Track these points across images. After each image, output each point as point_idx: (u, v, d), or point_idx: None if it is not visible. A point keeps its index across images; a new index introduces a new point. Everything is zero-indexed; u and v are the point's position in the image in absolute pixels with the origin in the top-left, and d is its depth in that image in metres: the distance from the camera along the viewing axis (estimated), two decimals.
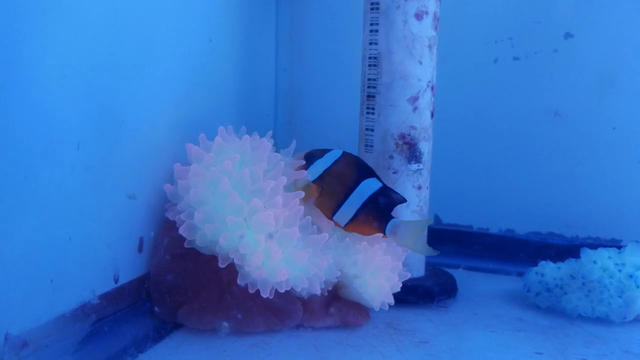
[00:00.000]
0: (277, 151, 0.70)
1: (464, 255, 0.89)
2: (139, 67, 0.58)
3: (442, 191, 0.90)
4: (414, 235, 0.60)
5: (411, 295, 0.68)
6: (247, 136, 0.61)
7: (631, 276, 0.65)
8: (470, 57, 0.88)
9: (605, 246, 0.83)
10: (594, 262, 0.67)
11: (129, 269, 0.57)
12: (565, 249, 0.85)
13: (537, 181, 0.87)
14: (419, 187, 0.72)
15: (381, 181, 0.61)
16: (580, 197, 0.86)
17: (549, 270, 0.70)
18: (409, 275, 0.63)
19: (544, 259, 0.74)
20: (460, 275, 0.82)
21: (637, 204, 0.84)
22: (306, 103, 0.97)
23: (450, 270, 0.81)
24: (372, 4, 0.70)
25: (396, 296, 0.63)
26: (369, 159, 0.72)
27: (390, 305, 0.61)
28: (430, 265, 0.77)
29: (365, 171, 0.62)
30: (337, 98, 0.94)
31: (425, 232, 0.67)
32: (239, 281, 0.54)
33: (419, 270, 0.74)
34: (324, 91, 0.96)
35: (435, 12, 0.70)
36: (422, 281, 0.72)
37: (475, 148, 0.90)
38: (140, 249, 0.59)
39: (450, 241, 0.91)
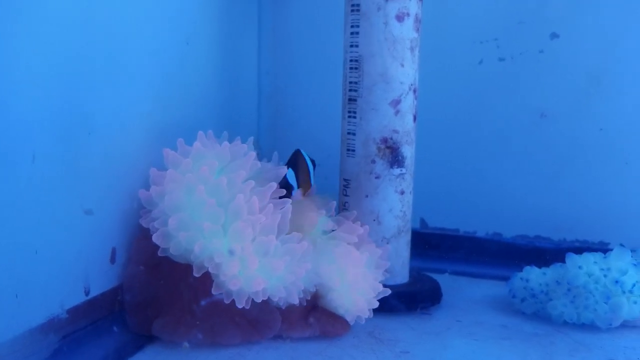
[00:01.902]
0: (259, 155, 0.69)
1: (450, 260, 0.88)
2: (110, 71, 0.56)
3: (428, 195, 0.89)
4: None
5: (394, 302, 0.67)
6: (226, 143, 0.59)
7: (617, 281, 0.64)
8: (455, 58, 0.87)
9: (592, 249, 0.82)
10: (579, 267, 0.66)
11: (101, 280, 0.56)
12: (552, 252, 0.84)
13: (524, 184, 0.86)
14: (402, 192, 0.71)
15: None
16: (567, 199, 0.85)
17: (534, 275, 0.69)
18: (388, 292, 0.62)
19: (531, 263, 0.73)
20: (446, 280, 0.81)
21: (625, 206, 0.83)
22: (290, 105, 0.95)
23: (437, 275, 0.80)
24: (352, 5, 0.69)
25: (379, 303, 0.62)
26: (351, 163, 0.71)
27: (367, 318, 0.60)
28: (414, 271, 0.76)
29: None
30: (322, 100, 0.93)
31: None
32: (213, 291, 0.52)
33: (403, 277, 0.72)
34: (308, 93, 0.94)
35: (416, 14, 0.69)
36: (406, 288, 0.71)
37: (461, 151, 0.88)
38: (112, 260, 0.57)
39: (436, 245, 0.90)
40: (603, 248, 0.83)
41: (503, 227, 0.88)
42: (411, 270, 0.75)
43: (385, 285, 0.65)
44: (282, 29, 0.94)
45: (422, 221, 0.92)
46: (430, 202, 0.90)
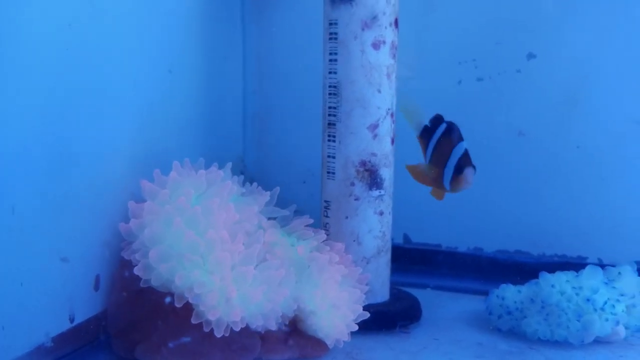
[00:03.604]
0: (245, 176, 0.71)
1: (432, 275, 0.90)
2: (91, 104, 0.58)
3: (411, 211, 0.91)
4: None
5: (373, 321, 0.69)
6: (202, 170, 0.61)
7: (588, 300, 0.66)
8: (435, 79, 0.89)
9: (571, 263, 0.84)
10: (552, 285, 0.68)
11: (86, 307, 0.58)
12: (532, 267, 0.86)
13: (504, 200, 0.88)
14: (381, 213, 0.73)
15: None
16: (546, 215, 0.87)
17: (509, 293, 0.71)
18: (367, 315, 0.64)
19: (512, 277, 0.75)
20: (428, 295, 0.83)
21: (602, 222, 0.85)
22: (276, 125, 0.97)
23: (419, 290, 0.82)
24: (330, 34, 0.71)
25: (359, 322, 0.64)
26: (331, 186, 0.73)
27: (345, 340, 0.62)
28: (395, 289, 0.78)
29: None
30: (307, 120, 0.95)
31: None
32: (193, 320, 0.54)
33: (383, 296, 0.74)
34: (294, 113, 0.96)
35: (392, 41, 0.71)
36: (385, 307, 0.73)
37: None
38: (96, 287, 0.59)
39: (419, 260, 0.92)
40: (581, 262, 0.85)
41: (484, 242, 0.90)
42: (392, 287, 0.77)
43: (365, 304, 0.67)
44: (267, 51, 0.95)
45: (406, 237, 0.94)
46: (413, 219, 0.92)
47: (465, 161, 0.68)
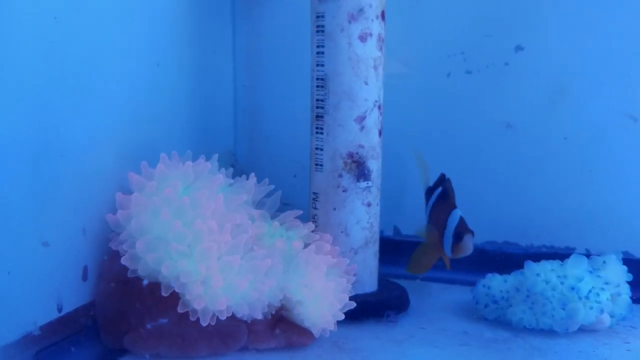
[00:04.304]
0: (235, 168, 0.72)
1: None
2: (78, 96, 0.59)
3: (400, 203, 0.92)
4: None
5: (361, 311, 0.70)
6: (189, 162, 0.62)
7: (573, 288, 0.67)
8: (424, 71, 0.90)
9: (559, 254, 0.85)
10: (537, 274, 0.69)
11: (74, 297, 0.59)
12: (520, 257, 0.87)
13: (492, 191, 0.89)
14: (369, 204, 0.74)
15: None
16: (534, 206, 0.88)
17: (495, 283, 0.72)
18: (353, 305, 0.65)
19: (500, 267, 0.76)
20: (416, 286, 0.84)
21: (589, 212, 0.86)
22: (267, 119, 0.98)
23: (409, 281, 0.83)
24: (317, 26, 0.72)
25: (347, 312, 0.65)
26: (319, 178, 0.74)
27: (332, 330, 0.63)
28: (384, 279, 0.78)
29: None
30: (298, 114, 0.95)
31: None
32: (179, 309, 0.55)
33: (371, 286, 0.75)
34: (285, 106, 0.97)
35: (379, 34, 0.72)
36: (373, 297, 0.73)
37: (432, 161, 0.90)
38: (84, 278, 0.60)
39: (409, 252, 0.92)
40: (569, 253, 0.85)
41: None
42: (381, 278, 0.77)
43: (353, 294, 0.68)
44: (257, 45, 0.96)
45: (396, 229, 0.95)
46: (403, 211, 0.92)
47: (463, 229, 0.70)
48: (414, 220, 0.93)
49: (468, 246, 0.69)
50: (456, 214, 0.71)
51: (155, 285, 0.56)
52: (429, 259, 0.75)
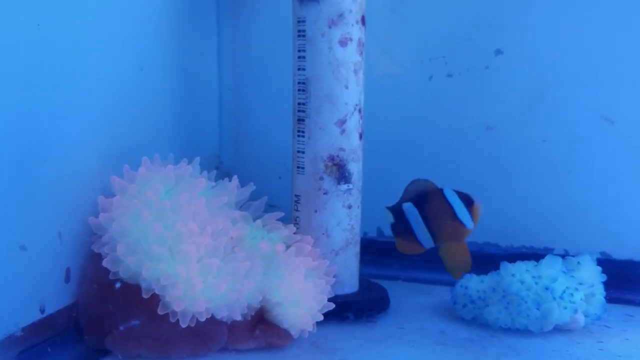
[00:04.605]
0: (220, 171, 0.73)
1: (404, 267, 0.92)
2: (60, 99, 0.60)
3: (383, 205, 0.93)
4: None
5: (341, 312, 0.71)
6: (170, 166, 0.63)
7: (547, 288, 0.69)
8: (407, 74, 0.91)
9: (539, 254, 0.86)
10: (513, 275, 0.70)
11: (56, 299, 0.60)
12: (501, 258, 0.88)
13: (473, 193, 0.90)
14: (350, 207, 0.75)
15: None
16: (514, 207, 0.89)
17: (472, 283, 0.73)
18: (332, 306, 0.66)
19: (481, 267, 0.77)
20: (398, 287, 0.85)
21: (567, 213, 0.87)
22: (252, 121, 0.99)
23: (391, 282, 0.84)
24: (299, 31, 0.73)
25: (328, 312, 0.66)
26: (301, 180, 0.75)
27: (310, 330, 0.64)
28: (365, 280, 0.80)
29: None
30: (283, 116, 0.96)
31: None
32: (159, 311, 0.56)
33: (352, 286, 0.76)
34: (270, 109, 0.98)
35: (359, 39, 0.73)
36: (353, 297, 0.75)
37: (413, 161, 0.92)
38: (67, 280, 0.61)
39: (392, 253, 0.94)
40: (548, 253, 0.87)
41: None
42: (362, 279, 0.79)
43: (334, 295, 0.69)
44: (242, 48, 0.97)
45: (379, 230, 0.96)
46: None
47: (463, 196, 0.73)
48: None
49: (479, 203, 0.73)
50: (448, 194, 0.74)
51: (127, 288, 0.57)
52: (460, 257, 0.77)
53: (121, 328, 0.57)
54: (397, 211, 0.79)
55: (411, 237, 0.77)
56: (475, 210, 0.73)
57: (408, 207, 0.75)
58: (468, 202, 0.74)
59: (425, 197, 0.77)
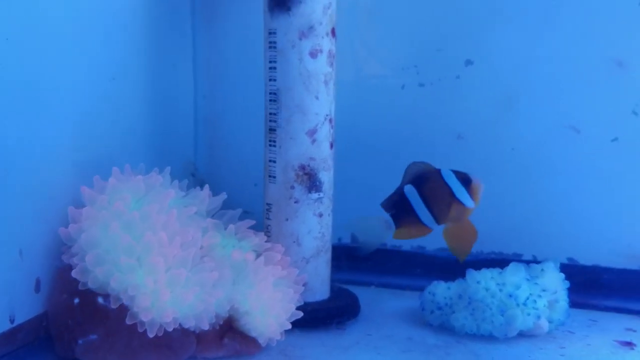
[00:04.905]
0: (195, 178, 0.74)
1: (377, 273, 0.93)
2: (29, 117, 0.60)
3: (357, 212, 0.95)
4: None
5: (311, 319, 0.72)
6: (140, 176, 0.64)
7: (511, 295, 0.71)
8: (380, 84, 0.93)
9: (508, 260, 0.88)
10: (478, 282, 0.72)
11: (26, 309, 0.60)
12: (471, 264, 0.90)
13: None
14: (320, 215, 0.76)
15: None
16: (483, 214, 0.90)
17: (440, 290, 0.75)
18: (300, 314, 0.67)
19: (451, 273, 0.79)
20: (370, 293, 0.87)
21: (535, 220, 0.89)
22: (227, 129, 1.00)
23: (363, 288, 0.86)
24: (270, 42, 0.74)
25: (298, 319, 0.67)
26: (272, 189, 0.76)
27: (278, 339, 0.65)
28: (336, 287, 0.81)
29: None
30: (257, 124, 0.97)
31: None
32: (127, 321, 0.57)
33: (323, 293, 0.78)
34: (244, 117, 0.98)
35: (330, 50, 0.74)
36: (323, 304, 0.76)
37: (387, 170, 0.93)
38: (37, 289, 0.62)
39: (365, 259, 0.95)
40: (517, 259, 0.90)
41: (425, 240, 0.93)
42: (333, 285, 0.80)
43: (304, 303, 0.70)
44: (218, 56, 0.98)
45: (353, 236, 0.98)
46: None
47: (460, 175, 0.73)
48: None
49: (479, 181, 0.72)
50: (445, 174, 0.74)
51: (85, 302, 0.58)
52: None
53: (80, 342, 0.58)
54: (394, 201, 0.78)
55: (416, 220, 0.75)
56: (474, 189, 0.72)
57: (409, 189, 0.75)
58: (466, 181, 0.73)
59: (424, 179, 0.75)
